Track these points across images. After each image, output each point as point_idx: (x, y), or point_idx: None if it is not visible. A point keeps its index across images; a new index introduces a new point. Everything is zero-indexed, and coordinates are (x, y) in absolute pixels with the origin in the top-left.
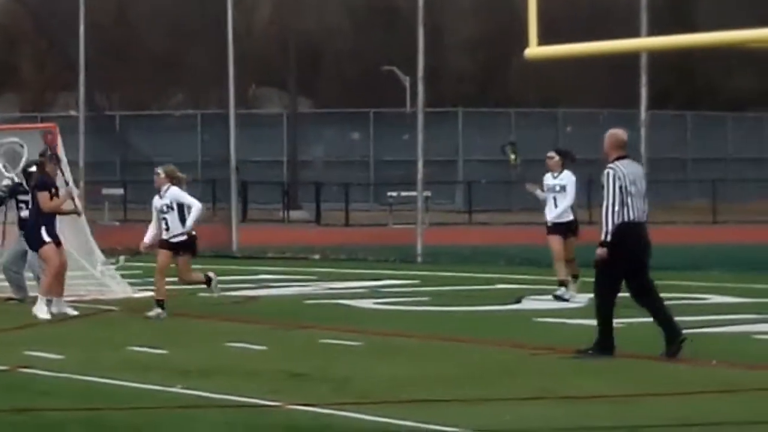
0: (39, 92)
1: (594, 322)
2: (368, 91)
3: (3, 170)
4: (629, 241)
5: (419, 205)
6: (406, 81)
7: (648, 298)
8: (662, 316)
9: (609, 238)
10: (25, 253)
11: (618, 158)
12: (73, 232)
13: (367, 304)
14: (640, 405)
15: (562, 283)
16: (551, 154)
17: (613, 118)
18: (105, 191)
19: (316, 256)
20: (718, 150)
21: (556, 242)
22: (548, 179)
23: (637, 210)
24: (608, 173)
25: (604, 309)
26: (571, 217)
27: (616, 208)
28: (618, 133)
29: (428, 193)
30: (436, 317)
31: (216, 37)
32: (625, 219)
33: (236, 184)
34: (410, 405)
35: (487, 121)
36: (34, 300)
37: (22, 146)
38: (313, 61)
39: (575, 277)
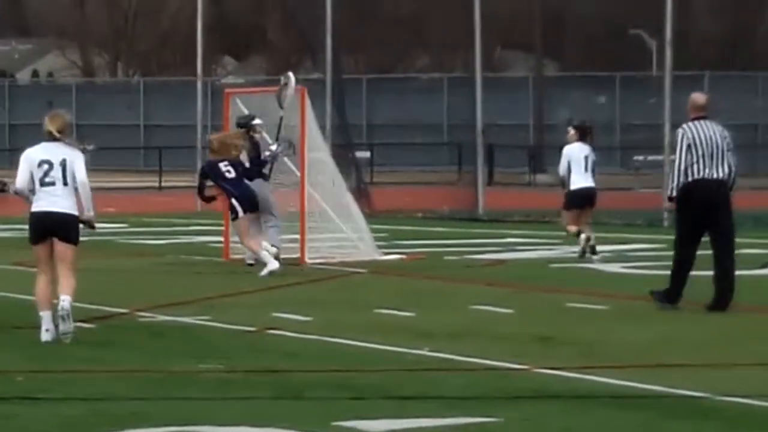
0: (285, 55)
1: None
2: (614, 55)
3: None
4: (693, 199)
5: (666, 169)
6: (653, 44)
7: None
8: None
9: (674, 193)
10: None
11: (694, 119)
12: (332, 194)
13: (614, 268)
14: None
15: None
16: None
17: None
18: (351, 155)
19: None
20: None
21: None
22: None
23: (705, 168)
24: (677, 132)
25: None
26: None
27: (682, 166)
28: (695, 96)
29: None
30: None
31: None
32: (694, 177)
33: (482, 148)
34: (658, 369)
35: (733, 85)
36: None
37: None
38: (558, 23)
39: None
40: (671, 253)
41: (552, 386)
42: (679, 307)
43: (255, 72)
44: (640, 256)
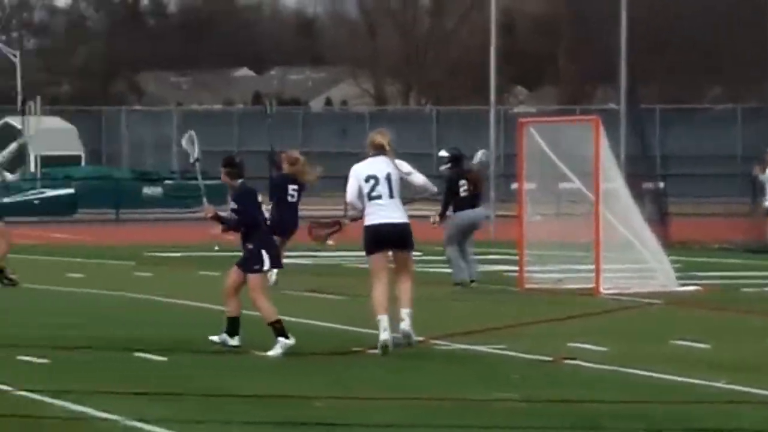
0: (578, 85)
1: None
2: None
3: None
4: None
5: None
6: None
7: None
8: None
9: None
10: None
11: None
12: (626, 224)
13: None
14: None
15: None
16: None
17: None
18: (645, 185)
19: None
20: None
21: None
22: None
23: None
24: None
25: None
26: None
27: None
28: None
29: None
30: None
31: (761, 28)
32: None
33: None
34: None
35: None
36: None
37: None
38: None
39: None
40: None
41: None
42: None
43: (547, 102)
44: None
